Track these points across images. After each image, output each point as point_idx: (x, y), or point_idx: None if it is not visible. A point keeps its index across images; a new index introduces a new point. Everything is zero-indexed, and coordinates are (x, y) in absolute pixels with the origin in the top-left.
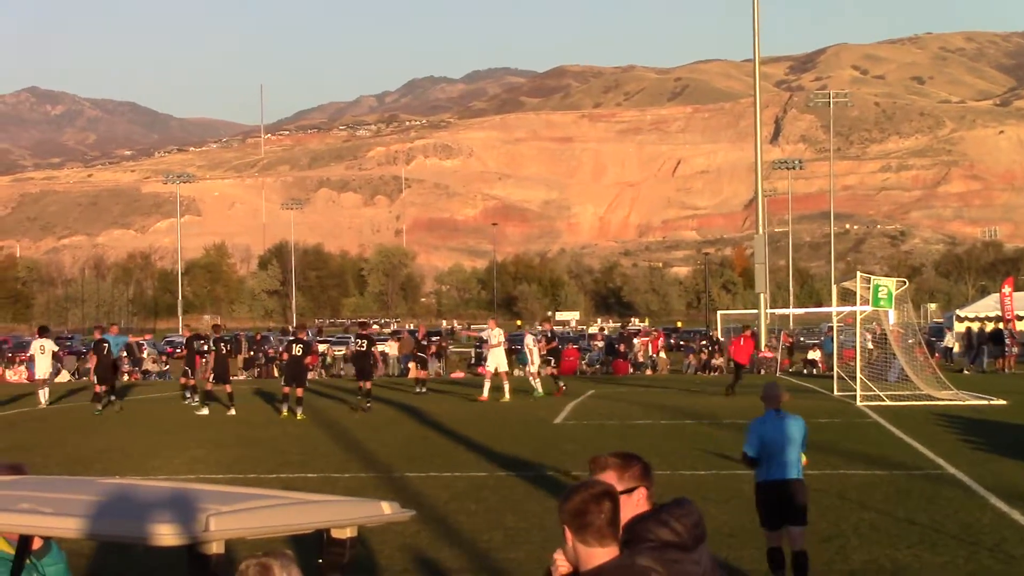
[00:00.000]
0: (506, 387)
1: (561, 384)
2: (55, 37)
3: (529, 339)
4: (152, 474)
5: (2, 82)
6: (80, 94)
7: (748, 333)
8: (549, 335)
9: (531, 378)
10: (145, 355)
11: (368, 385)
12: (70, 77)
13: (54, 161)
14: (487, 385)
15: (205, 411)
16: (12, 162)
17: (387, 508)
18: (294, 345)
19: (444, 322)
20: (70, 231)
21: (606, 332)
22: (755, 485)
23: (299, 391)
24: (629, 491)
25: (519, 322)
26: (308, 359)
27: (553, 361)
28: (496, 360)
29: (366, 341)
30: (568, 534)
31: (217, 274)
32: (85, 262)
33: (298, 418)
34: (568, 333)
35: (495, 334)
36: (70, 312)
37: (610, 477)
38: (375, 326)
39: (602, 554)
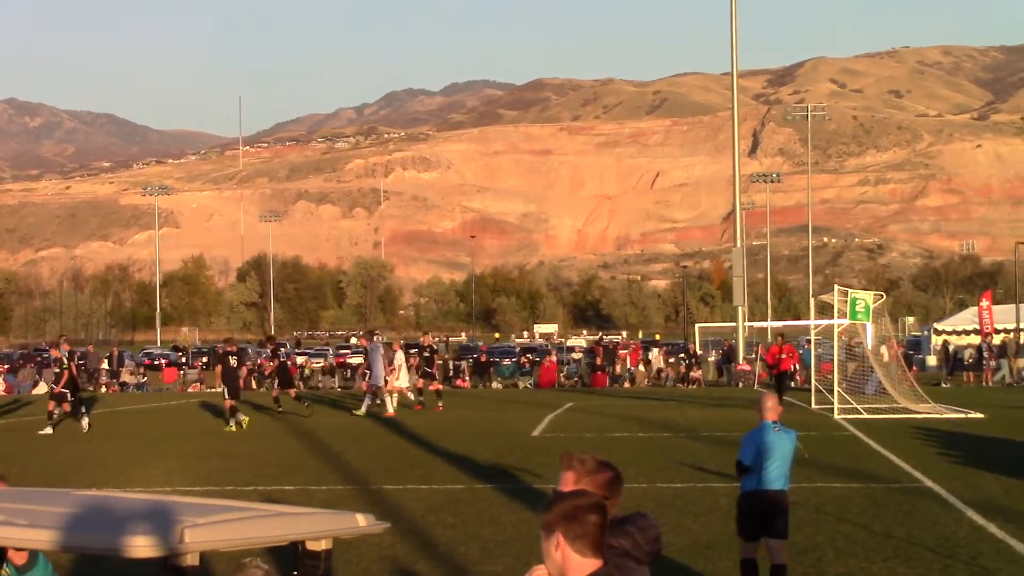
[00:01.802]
0: (391, 403)
1: (439, 403)
2: (34, 49)
3: (399, 355)
4: (129, 486)
5: None
6: (59, 106)
7: (780, 341)
8: (432, 349)
9: (407, 394)
10: (124, 366)
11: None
12: (48, 89)
13: (32, 173)
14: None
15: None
16: None
17: (362, 520)
18: (229, 357)
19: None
20: (48, 243)
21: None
22: (741, 494)
23: (228, 403)
24: None
25: (497, 335)
26: (242, 369)
27: (436, 376)
28: (404, 378)
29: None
30: (559, 540)
31: (195, 286)
32: (63, 274)
33: (227, 428)
34: (547, 346)
35: (399, 356)
36: (48, 324)
37: (567, 479)
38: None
39: (590, 565)
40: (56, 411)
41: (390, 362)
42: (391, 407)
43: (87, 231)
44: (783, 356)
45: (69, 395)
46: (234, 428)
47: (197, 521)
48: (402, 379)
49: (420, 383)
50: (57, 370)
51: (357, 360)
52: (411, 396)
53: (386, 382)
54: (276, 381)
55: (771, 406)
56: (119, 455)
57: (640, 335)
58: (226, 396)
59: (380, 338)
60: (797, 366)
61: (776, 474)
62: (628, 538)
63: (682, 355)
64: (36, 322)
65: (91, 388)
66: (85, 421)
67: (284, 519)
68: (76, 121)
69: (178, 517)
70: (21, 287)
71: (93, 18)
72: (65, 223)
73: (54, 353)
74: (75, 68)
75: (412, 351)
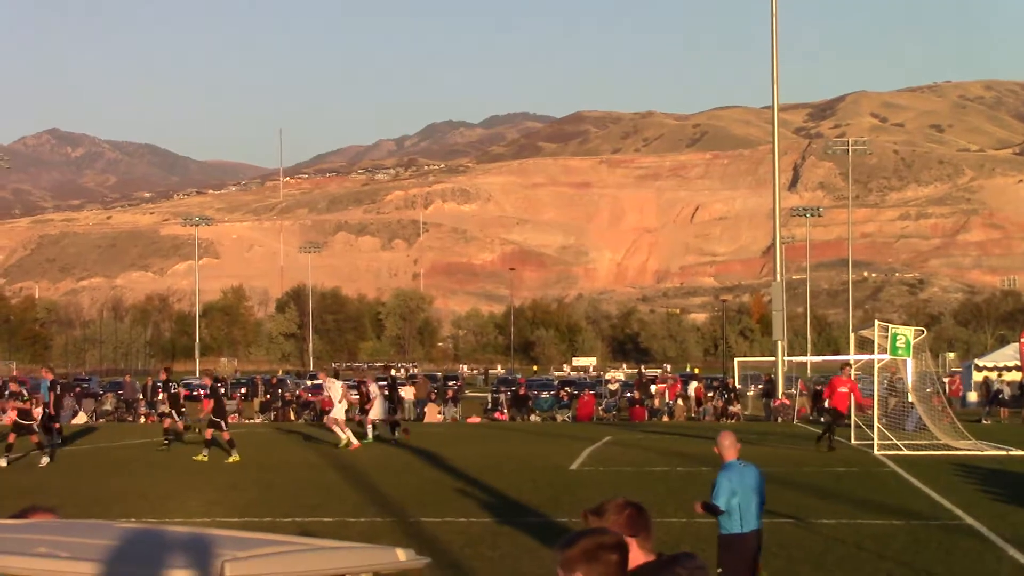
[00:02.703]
0: (343, 434)
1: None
2: (76, 79)
3: (374, 387)
4: (168, 517)
5: (24, 124)
6: (100, 136)
7: (847, 371)
8: (395, 381)
9: (369, 424)
10: (160, 397)
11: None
12: (90, 119)
13: (74, 203)
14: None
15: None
16: (32, 204)
17: (402, 555)
18: (220, 389)
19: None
20: (89, 273)
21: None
22: (727, 537)
23: (207, 432)
24: None
25: (535, 367)
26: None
27: (395, 409)
28: (378, 410)
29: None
30: None
31: (234, 317)
32: (103, 304)
33: (197, 458)
34: (585, 379)
35: (374, 388)
36: (88, 354)
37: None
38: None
39: None
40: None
41: (367, 396)
42: (353, 439)
43: (127, 261)
44: (842, 390)
45: (35, 426)
46: (236, 458)
47: (237, 554)
48: (376, 411)
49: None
50: (18, 402)
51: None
52: (370, 430)
53: (365, 412)
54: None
55: (730, 444)
56: (158, 486)
57: (686, 367)
58: (222, 429)
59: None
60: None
61: (756, 512)
62: None
63: (721, 389)
64: (76, 352)
65: (130, 418)
66: (45, 460)
67: (325, 553)
68: (117, 151)
69: (218, 550)
70: (62, 317)
71: (135, 49)
72: (106, 253)
73: (12, 387)
74: (117, 99)
75: (382, 383)
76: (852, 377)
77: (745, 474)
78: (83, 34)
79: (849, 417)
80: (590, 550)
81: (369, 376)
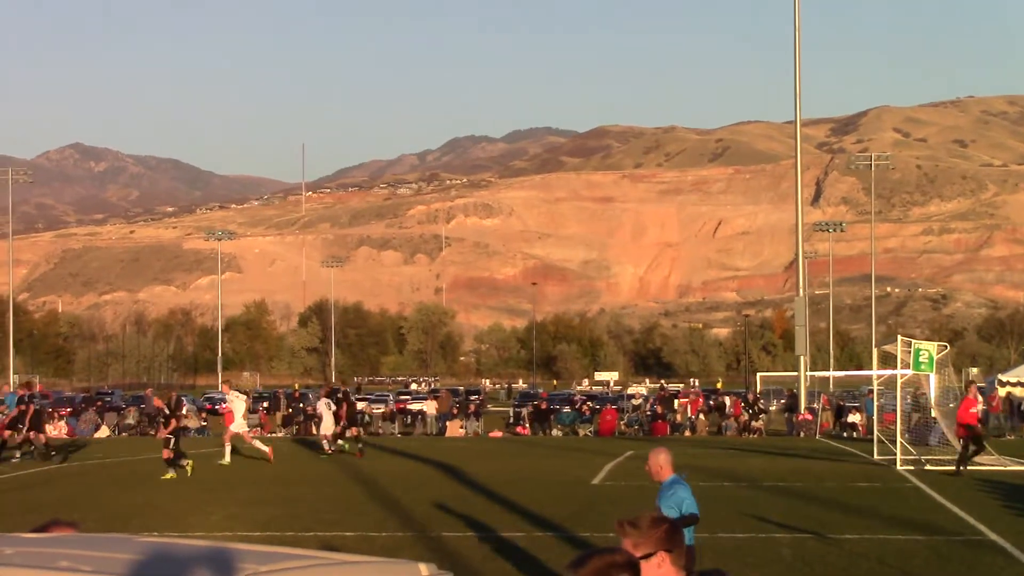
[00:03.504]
0: (227, 450)
1: (329, 448)
2: (99, 94)
3: (321, 403)
4: (189, 531)
5: (47, 138)
6: (123, 151)
7: (973, 389)
8: (344, 394)
9: (323, 440)
10: (184, 411)
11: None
12: (113, 134)
13: (97, 217)
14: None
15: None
16: (55, 218)
17: (424, 570)
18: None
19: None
20: (112, 287)
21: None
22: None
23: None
24: (647, 556)
25: (555, 382)
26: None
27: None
28: (327, 424)
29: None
30: None
31: (257, 331)
32: (126, 318)
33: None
34: (607, 394)
35: (238, 397)
36: (110, 368)
37: (627, 544)
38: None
39: None
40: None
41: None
42: (227, 458)
43: (150, 275)
44: (972, 410)
45: None
46: (185, 472)
47: (260, 569)
48: (325, 425)
49: (337, 429)
50: None
51: (418, 406)
52: (326, 445)
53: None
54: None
55: (667, 459)
56: (179, 500)
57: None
58: (172, 446)
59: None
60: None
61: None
62: None
63: (743, 404)
64: (99, 366)
65: (152, 432)
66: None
67: (347, 568)
68: (140, 166)
69: (240, 565)
70: (84, 331)
71: (158, 64)
72: (129, 267)
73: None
74: (140, 113)
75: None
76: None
77: (687, 489)
78: (106, 48)
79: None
80: (601, 569)
81: (322, 391)
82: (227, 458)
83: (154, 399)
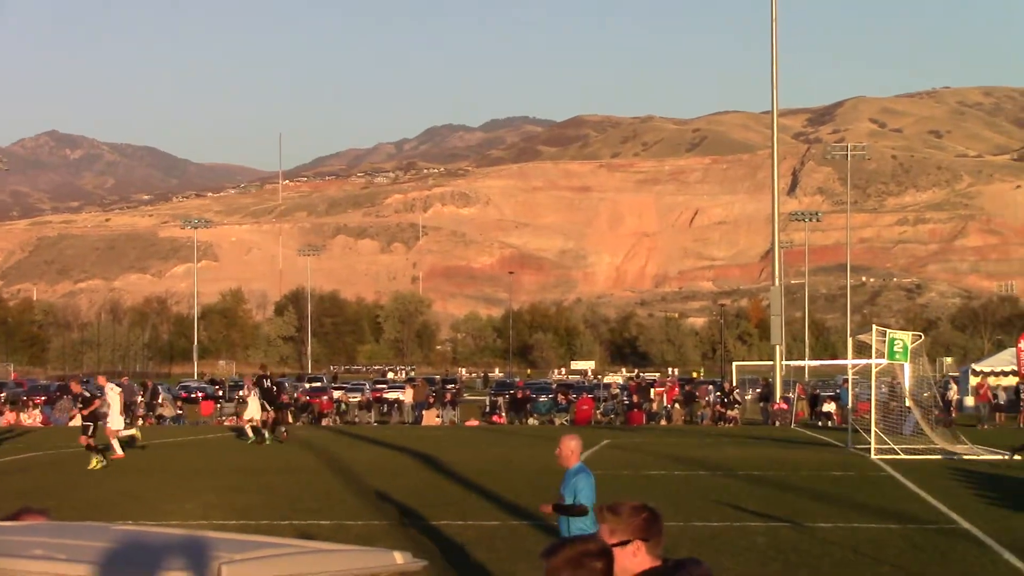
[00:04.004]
0: (115, 444)
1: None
2: (75, 81)
3: (116, 392)
4: (165, 519)
5: (22, 126)
6: (99, 138)
7: None
8: (269, 380)
9: (246, 425)
10: (160, 400)
11: None
12: (89, 121)
13: (72, 205)
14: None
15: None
16: (30, 205)
17: (400, 558)
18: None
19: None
20: (87, 275)
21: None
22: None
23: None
24: (623, 544)
25: (529, 371)
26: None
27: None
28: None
29: None
30: None
31: (233, 319)
32: (101, 306)
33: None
34: (583, 383)
35: (112, 390)
36: (85, 356)
37: (604, 529)
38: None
39: None
40: None
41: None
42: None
43: (126, 263)
44: None
45: None
46: (103, 464)
47: (235, 557)
48: (250, 411)
49: (266, 417)
50: None
51: (394, 395)
52: (249, 430)
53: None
54: None
55: (578, 447)
56: (155, 489)
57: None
58: (90, 434)
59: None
60: None
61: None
62: None
63: (719, 393)
64: (74, 354)
65: (128, 421)
66: None
67: (322, 556)
68: (116, 154)
69: (215, 553)
70: (59, 319)
71: (134, 51)
72: (104, 255)
73: None
74: (116, 101)
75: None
76: None
77: (592, 477)
78: (82, 35)
79: None
80: (574, 558)
81: (247, 377)
82: (113, 454)
83: (71, 383)
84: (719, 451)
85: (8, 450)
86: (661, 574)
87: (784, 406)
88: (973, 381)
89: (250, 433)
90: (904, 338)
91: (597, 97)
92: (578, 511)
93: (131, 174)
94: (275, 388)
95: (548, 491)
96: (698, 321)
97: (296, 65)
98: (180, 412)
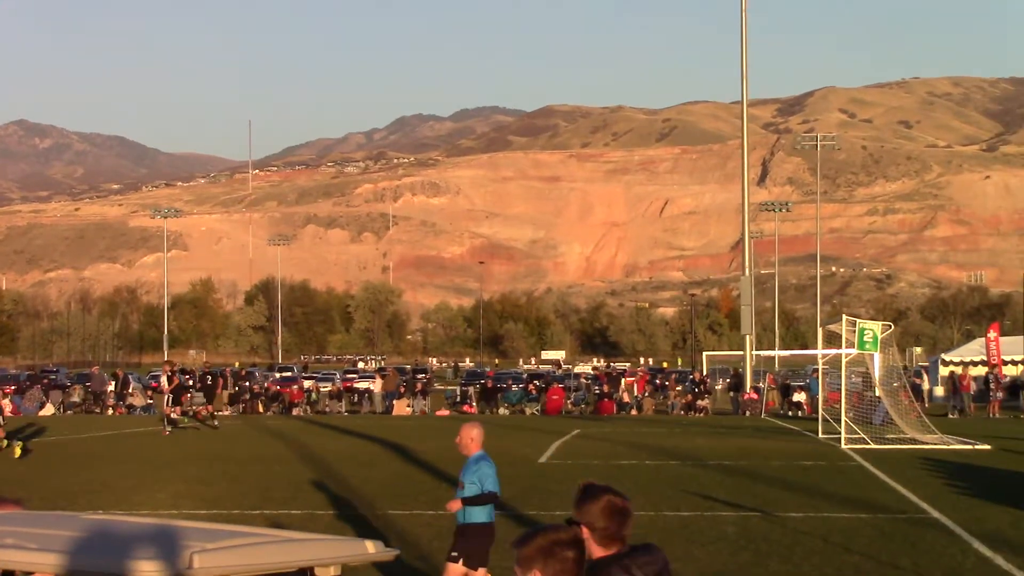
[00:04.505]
0: None
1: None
2: (44, 70)
3: (163, 381)
4: (136, 509)
5: None
6: (68, 128)
7: None
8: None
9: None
10: (131, 389)
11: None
12: (58, 111)
13: (41, 194)
14: None
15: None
16: None
17: (371, 547)
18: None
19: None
20: (56, 264)
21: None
22: (484, 525)
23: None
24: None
25: (497, 361)
26: None
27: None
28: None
29: None
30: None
31: (203, 309)
32: (71, 296)
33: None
34: (553, 372)
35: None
36: (55, 345)
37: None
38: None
39: None
40: None
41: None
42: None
43: (96, 253)
44: None
45: None
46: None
47: (206, 546)
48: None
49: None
50: None
51: (365, 385)
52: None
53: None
54: None
55: (479, 435)
56: (125, 478)
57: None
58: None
59: None
60: None
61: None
62: (626, 574)
63: (689, 383)
64: (44, 343)
65: (97, 410)
66: None
67: (294, 545)
68: (86, 143)
69: (187, 542)
70: (29, 308)
71: (103, 40)
72: (74, 245)
73: None
74: (85, 90)
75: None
76: None
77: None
78: (51, 24)
79: None
80: (545, 547)
81: (166, 366)
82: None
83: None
84: (689, 441)
85: None
86: (609, 561)
87: (755, 396)
88: (943, 371)
89: (166, 423)
90: (874, 328)
91: (567, 87)
92: (487, 499)
93: (100, 163)
94: (176, 380)
95: (519, 481)
96: (668, 311)
97: (266, 54)
98: (151, 402)
